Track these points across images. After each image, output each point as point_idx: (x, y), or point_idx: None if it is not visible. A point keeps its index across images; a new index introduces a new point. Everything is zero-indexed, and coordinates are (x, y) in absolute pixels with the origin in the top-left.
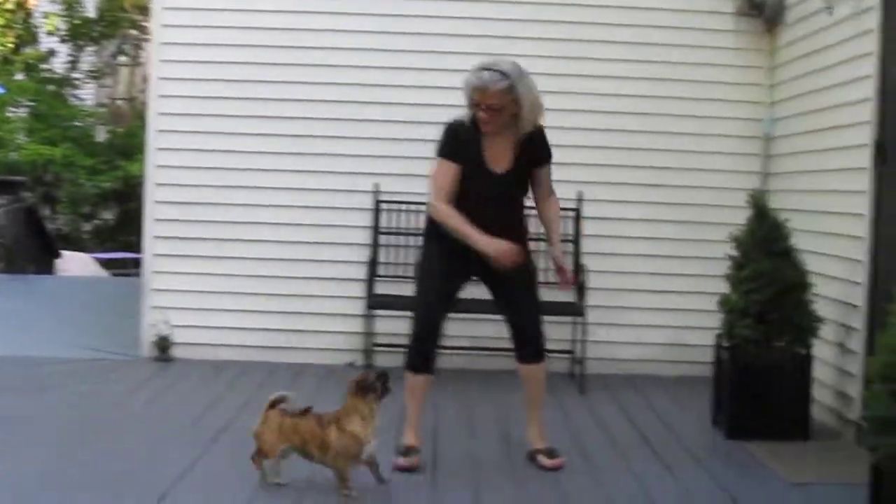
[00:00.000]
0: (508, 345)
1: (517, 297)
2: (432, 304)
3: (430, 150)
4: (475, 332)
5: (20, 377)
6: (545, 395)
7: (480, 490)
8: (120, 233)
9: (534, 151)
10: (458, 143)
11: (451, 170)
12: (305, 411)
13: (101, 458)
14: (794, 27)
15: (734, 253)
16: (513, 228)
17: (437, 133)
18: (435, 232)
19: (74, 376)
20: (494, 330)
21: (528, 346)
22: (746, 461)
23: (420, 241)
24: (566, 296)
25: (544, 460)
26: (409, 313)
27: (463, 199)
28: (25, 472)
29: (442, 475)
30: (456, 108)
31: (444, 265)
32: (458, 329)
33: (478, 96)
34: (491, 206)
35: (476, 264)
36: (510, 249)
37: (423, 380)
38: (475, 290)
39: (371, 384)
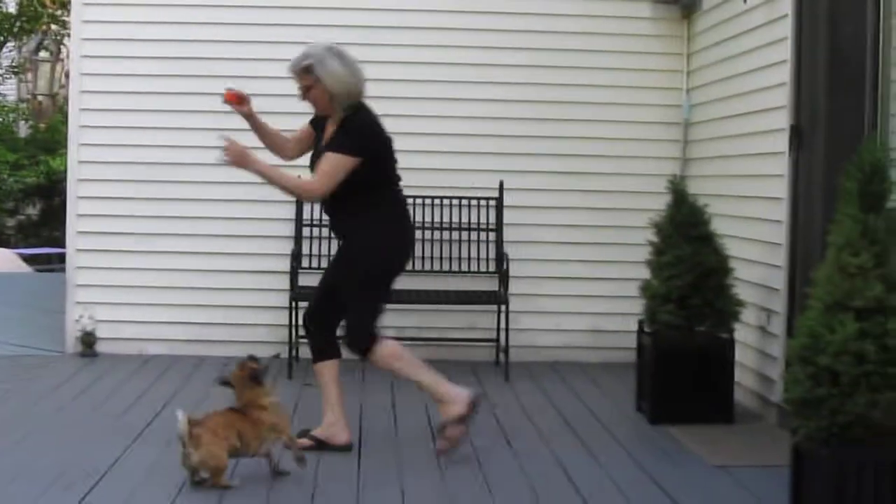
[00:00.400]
0: (434, 334)
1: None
2: (313, 295)
3: None
4: (403, 322)
5: None
6: (419, 377)
7: (404, 474)
8: (44, 228)
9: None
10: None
11: (304, 126)
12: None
13: (28, 452)
14: (709, 13)
15: (654, 239)
16: (335, 210)
17: None
18: None
19: None
20: (419, 320)
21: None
22: (670, 446)
23: None
24: (490, 285)
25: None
26: None
27: None
28: None
29: (367, 461)
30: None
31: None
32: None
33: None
34: None
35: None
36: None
37: (321, 367)
38: (406, 281)
39: (259, 371)
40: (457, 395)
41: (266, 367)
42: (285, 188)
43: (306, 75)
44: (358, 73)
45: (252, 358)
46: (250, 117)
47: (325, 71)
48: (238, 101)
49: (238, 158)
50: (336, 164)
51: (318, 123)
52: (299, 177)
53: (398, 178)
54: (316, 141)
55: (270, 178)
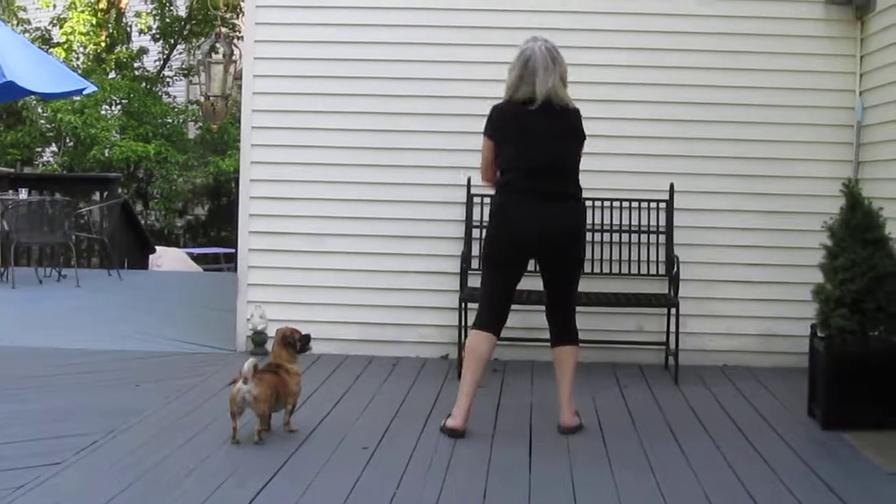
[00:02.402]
0: (603, 336)
1: None
2: None
3: None
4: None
5: (118, 371)
6: (463, 378)
7: (575, 474)
8: (211, 228)
9: None
10: None
11: None
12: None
13: (202, 449)
14: (884, 14)
15: (828, 242)
16: None
17: None
18: None
19: (171, 370)
20: (588, 322)
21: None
22: (844, 452)
23: None
24: (659, 287)
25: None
26: None
27: None
28: (128, 461)
29: (538, 458)
30: None
31: None
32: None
33: None
34: None
35: None
36: None
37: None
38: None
39: (291, 339)
40: (458, 413)
41: (301, 342)
42: None
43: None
44: (527, 79)
45: (296, 330)
46: None
47: (512, 64)
48: None
49: None
50: (482, 146)
51: None
52: None
53: (519, 168)
54: None
55: None
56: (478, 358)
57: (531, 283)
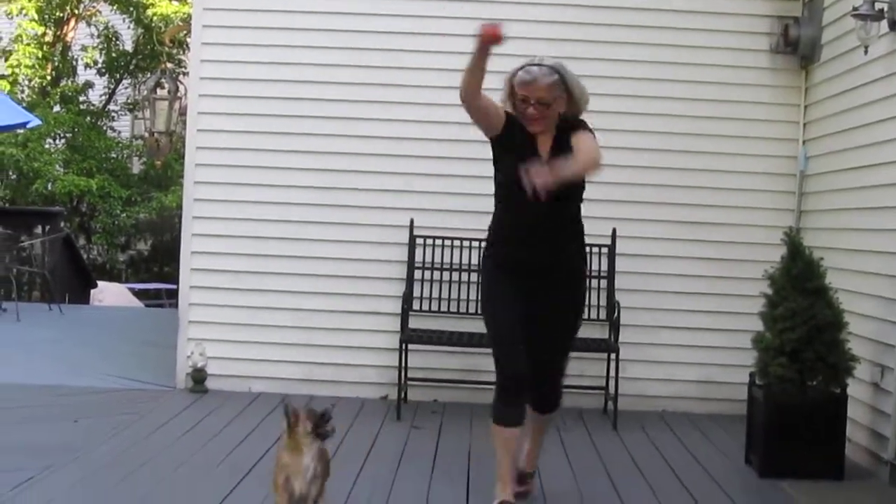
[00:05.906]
0: None
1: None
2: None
3: (465, 185)
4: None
5: (56, 406)
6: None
7: None
8: (154, 263)
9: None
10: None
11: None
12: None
13: (138, 488)
14: (828, 65)
15: (768, 291)
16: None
17: (470, 169)
18: None
19: (110, 406)
20: None
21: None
22: (779, 500)
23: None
24: (600, 332)
25: None
26: (441, 348)
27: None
28: (64, 499)
29: None
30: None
31: None
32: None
33: (526, 91)
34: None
35: None
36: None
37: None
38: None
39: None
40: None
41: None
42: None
43: (553, 89)
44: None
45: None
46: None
47: (572, 80)
48: (495, 39)
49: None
50: (489, 101)
51: (512, 135)
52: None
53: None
54: (518, 148)
55: (584, 170)
56: (507, 448)
57: (473, 325)
